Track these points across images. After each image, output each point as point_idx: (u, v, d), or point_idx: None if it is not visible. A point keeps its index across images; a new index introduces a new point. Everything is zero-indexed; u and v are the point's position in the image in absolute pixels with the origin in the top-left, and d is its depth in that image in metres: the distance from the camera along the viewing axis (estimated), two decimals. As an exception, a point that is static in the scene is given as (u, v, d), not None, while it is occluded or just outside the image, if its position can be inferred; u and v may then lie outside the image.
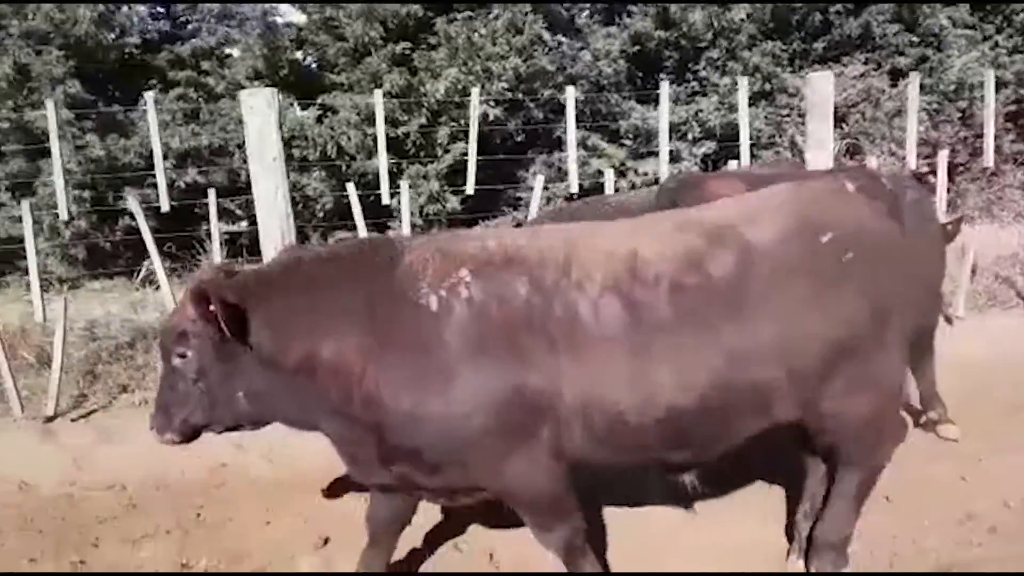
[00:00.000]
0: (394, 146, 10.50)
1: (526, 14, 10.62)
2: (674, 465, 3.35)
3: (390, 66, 10.03)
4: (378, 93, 6.12)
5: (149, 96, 6.42)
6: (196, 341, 3.07)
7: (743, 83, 6.71)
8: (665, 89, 6.74)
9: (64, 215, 6.16)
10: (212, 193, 6.38)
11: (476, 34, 9.82)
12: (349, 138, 10.15)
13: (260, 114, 5.57)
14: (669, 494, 4.09)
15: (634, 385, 2.97)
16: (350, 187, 6.29)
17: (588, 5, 11.63)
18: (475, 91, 6.31)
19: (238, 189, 10.27)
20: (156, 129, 6.07)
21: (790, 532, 3.87)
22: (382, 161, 6.19)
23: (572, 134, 6.50)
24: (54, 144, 5.80)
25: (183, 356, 3.10)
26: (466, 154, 10.22)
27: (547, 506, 3.23)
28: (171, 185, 9.91)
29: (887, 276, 3.13)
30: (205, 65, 10.53)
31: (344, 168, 10.32)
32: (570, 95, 6.46)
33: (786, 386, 3.08)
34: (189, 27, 11.33)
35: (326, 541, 4.07)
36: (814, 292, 3.03)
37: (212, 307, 2.93)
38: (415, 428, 2.97)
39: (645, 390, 2.97)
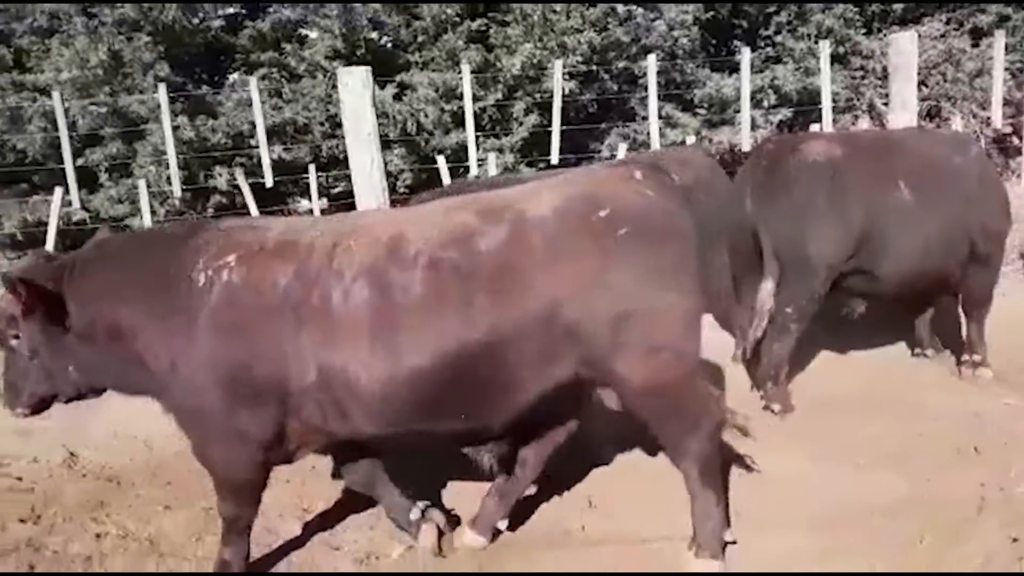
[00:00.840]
0: (474, 121, 10.73)
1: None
2: (445, 436, 3.55)
3: (467, 43, 10.18)
4: (466, 69, 6.30)
5: (246, 78, 6.73)
6: (23, 324, 3.51)
7: (824, 47, 6.71)
8: (747, 56, 6.78)
9: (178, 191, 6.51)
10: (312, 168, 6.65)
11: (551, 10, 9.88)
12: (427, 114, 10.36)
13: (355, 92, 5.84)
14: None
15: (379, 361, 3.17)
16: (440, 160, 6.51)
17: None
18: (558, 63, 6.44)
19: (322, 165, 10.59)
20: (259, 107, 6.38)
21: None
22: (470, 134, 6.38)
23: (653, 103, 6.61)
24: (167, 124, 6.14)
25: (16, 338, 3.56)
26: (540, 127, 10.46)
27: (239, 486, 3.56)
28: (258, 162, 10.34)
29: (667, 253, 3.29)
30: (285, 47, 10.80)
31: (423, 144, 10.55)
32: (651, 64, 6.56)
33: (559, 351, 3.24)
34: (267, 9, 11.59)
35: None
36: (590, 262, 3.20)
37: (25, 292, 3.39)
38: (169, 389, 3.38)
39: (392, 366, 3.17)
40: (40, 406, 3.73)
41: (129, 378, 3.53)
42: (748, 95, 6.93)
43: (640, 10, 10.80)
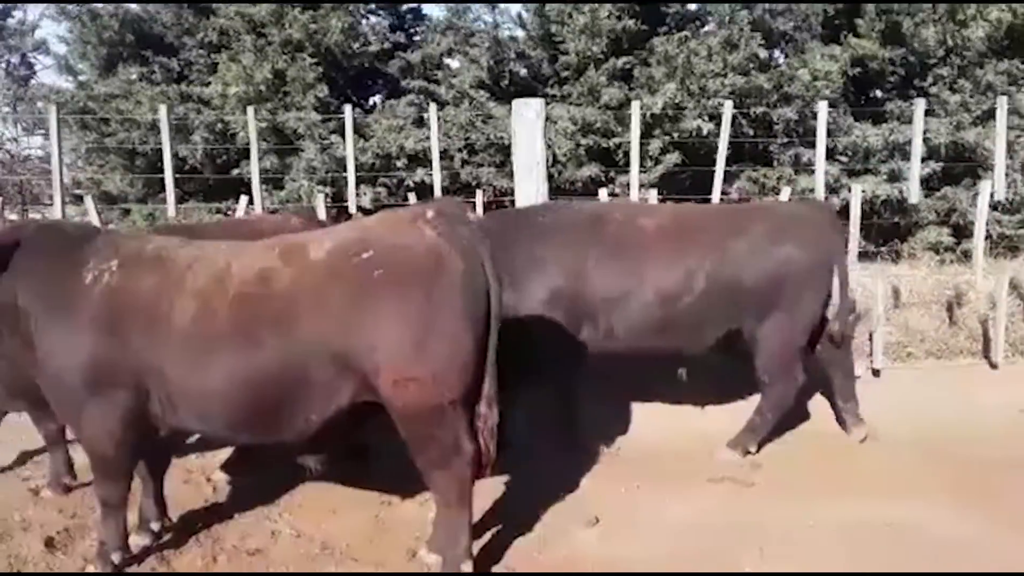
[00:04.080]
0: (606, 157, 10.88)
1: (741, 31, 10.72)
2: (250, 443, 4.18)
3: (609, 80, 10.35)
4: (635, 105, 6.43)
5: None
6: None
7: (1002, 103, 6.60)
8: (920, 107, 6.75)
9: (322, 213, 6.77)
10: (479, 194, 6.85)
11: (694, 54, 9.97)
12: (560, 147, 10.56)
13: (528, 122, 6.03)
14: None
15: (198, 372, 3.69)
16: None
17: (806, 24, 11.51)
18: (728, 104, 6.49)
19: (455, 191, 10.90)
20: (436, 132, 6.65)
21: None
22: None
23: (822, 148, 6.60)
24: (349, 144, 6.44)
25: None
26: (678, 166, 10.53)
27: (104, 463, 3.99)
28: (399, 183, 10.71)
29: (421, 293, 3.60)
30: (436, 75, 11.19)
31: (556, 175, 10.73)
32: (822, 111, 6.56)
33: (335, 377, 3.66)
34: (416, 39, 12.04)
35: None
36: (350, 298, 3.59)
37: None
38: (45, 366, 3.83)
39: (205, 377, 3.68)
40: None
41: None
42: (919, 146, 6.85)
43: (783, 57, 10.77)
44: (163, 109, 8.42)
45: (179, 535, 4.50)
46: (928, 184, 10.44)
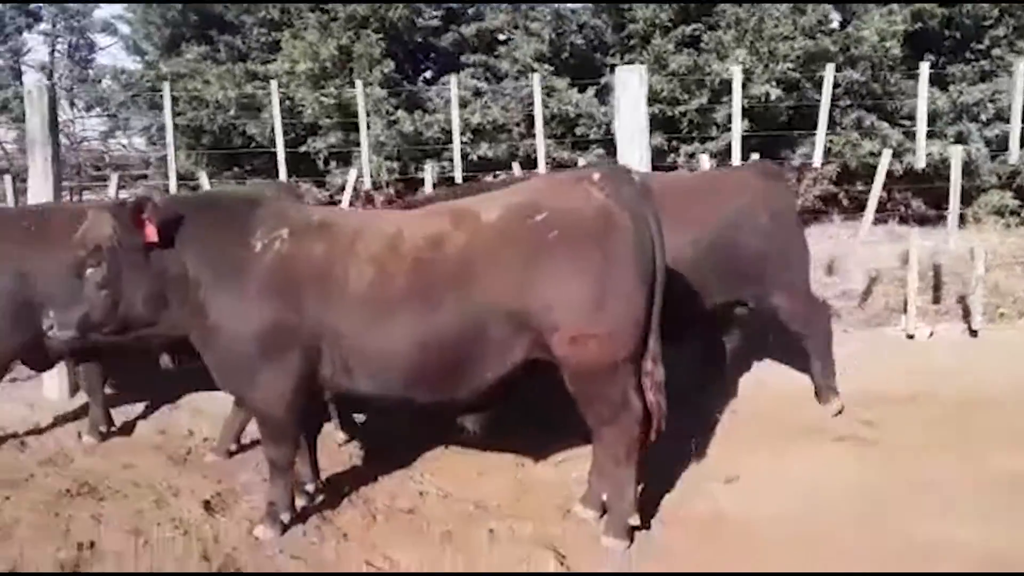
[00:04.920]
0: (670, 125, 10.87)
1: (807, -5, 10.66)
2: (427, 403, 4.10)
3: (676, 47, 10.33)
4: (736, 70, 6.43)
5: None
6: (113, 253, 3.94)
7: None
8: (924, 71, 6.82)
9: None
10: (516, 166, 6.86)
11: (768, 16, 9.93)
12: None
13: (633, 89, 6.06)
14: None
15: (377, 334, 3.81)
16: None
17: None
18: (830, 67, 6.50)
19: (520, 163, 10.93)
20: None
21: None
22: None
23: (923, 108, 6.57)
24: (455, 115, 6.51)
25: (95, 266, 3.95)
26: (747, 132, 10.50)
27: (275, 427, 4.13)
28: (464, 157, 10.74)
29: (596, 252, 3.71)
30: (499, 49, 11.21)
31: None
32: (923, 71, 6.56)
33: (511, 336, 3.77)
34: (471, 11, 12.02)
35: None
36: (526, 259, 3.70)
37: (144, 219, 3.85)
38: (216, 334, 3.97)
39: (385, 339, 3.81)
40: (87, 332, 4.16)
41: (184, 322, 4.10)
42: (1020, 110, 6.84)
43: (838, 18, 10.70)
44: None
45: (331, 497, 4.64)
46: (993, 147, 10.40)
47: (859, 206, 11.30)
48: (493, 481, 4.81)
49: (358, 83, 8.87)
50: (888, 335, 6.62)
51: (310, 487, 4.56)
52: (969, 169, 10.41)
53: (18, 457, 5.43)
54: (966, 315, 6.87)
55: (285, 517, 4.22)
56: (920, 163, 6.96)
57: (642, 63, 10.67)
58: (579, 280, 3.71)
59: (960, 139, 10.39)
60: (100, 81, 11.60)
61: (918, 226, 9.50)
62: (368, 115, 10.33)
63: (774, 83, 10.23)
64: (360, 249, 3.90)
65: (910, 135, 10.93)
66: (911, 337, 6.54)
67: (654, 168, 9.17)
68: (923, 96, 6.72)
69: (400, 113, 10.25)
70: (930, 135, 10.66)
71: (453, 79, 9.05)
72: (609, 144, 10.91)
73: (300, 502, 4.46)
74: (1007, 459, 4.67)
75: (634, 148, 6.10)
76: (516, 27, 11.69)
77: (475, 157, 10.56)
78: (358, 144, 10.48)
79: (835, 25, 11.24)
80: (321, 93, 10.14)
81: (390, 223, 4.03)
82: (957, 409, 5.46)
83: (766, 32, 10.24)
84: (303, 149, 10.50)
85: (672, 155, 10.91)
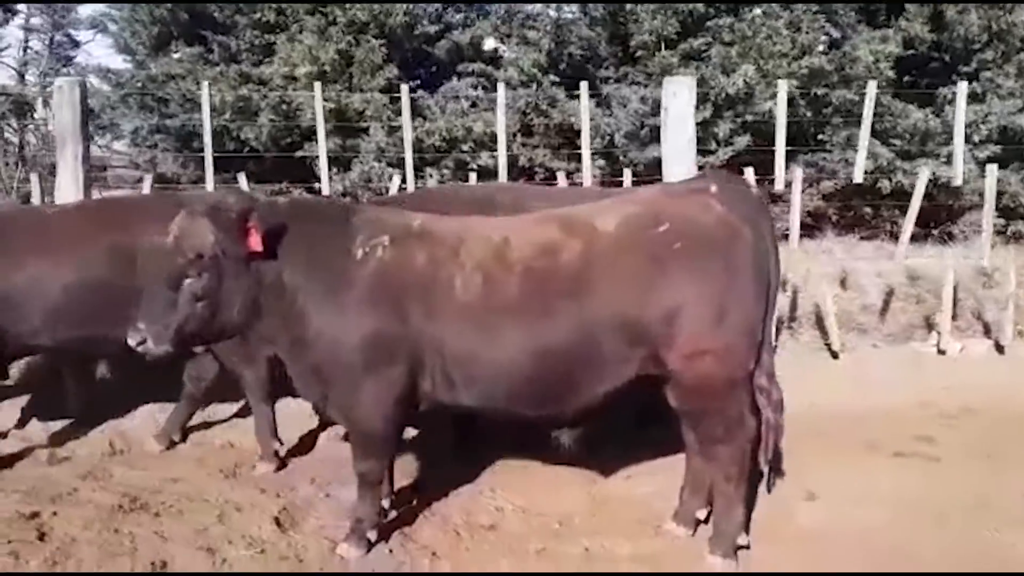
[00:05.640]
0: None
1: (804, 13, 10.83)
2: (530, 419, 4.00)
3: (683, 60, 10.39)
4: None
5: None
6: (212, 261, 3.63)
7: None
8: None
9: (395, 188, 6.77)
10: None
11: (776, 33, 10.05)
12: (621, 128, 10.60)
13: (682, 101, 6.02)
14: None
15: (485, 345, 3.66)
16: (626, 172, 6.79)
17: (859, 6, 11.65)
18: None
19: (516, 174, 10.84)
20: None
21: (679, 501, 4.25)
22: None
23: (960, 124, 6.66)
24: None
25: (194, 276, 3.64)
26: (748, 147, 10.60)
27: (371, 440, 3.96)
28: (464, 166, 10.61)
29: (719, 263, 3.62)
30: (498, 57, 11.14)
31: (620, 156, 10.77)
32: (962, 92, 6.65)
33: (626, 349, 3.63)
34: (472, 20, 11.92)
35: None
36: (647, 270, 3.58)
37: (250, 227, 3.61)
38: (316, 343, 3.77)
39: (494, 351, 3.65)
40: (183, 346, 3.97)
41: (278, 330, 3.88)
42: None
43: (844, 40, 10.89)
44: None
45: (405, 512, 4.47)
46: (982, 167, 10.66)
47: (852, 222, 11.58)
48: (567, 496, 4.68)
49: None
50: (920, 351, 6.68)
51: (385, 502, 4.37)
52: (954, 190, 10.69)
53: (51, 471, 5.11)
54: (987, 331, 6.97)
55: (372, 535, 4.04)
56: (957, 180, 7.09)
57: (646, 75, 10.82)
58: (702, 293, 3.61)
59: (952, 159, 10.62)
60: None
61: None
62: (368, 120, 10.20)
63: (771, 99, 10.34)
64: (465, 257, 3.73)
65: (900, 154, 11.19)
66: (942, 353, 6.61)
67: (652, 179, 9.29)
68: (960, 115, 6.79)
69: (401, 119, 10.06)
70: (922, 155, 10.98)
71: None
72: (609, 156, 10.96)
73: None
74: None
75: (683, 161, 6.06)
76: (509, 36, 11.66)
77: (475, 166, 10.45)
78: (356, 150, 10.34)
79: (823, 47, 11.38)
80: (324, 98, 9.89)
81: (495, 229, 3.88)
82: (1006, 424, 5.52)
83: (766, 50, 10.37)
84: (299, 154, 10.25)
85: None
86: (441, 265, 3.73)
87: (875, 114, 11.07)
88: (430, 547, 4.13)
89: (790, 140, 11.11)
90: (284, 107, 10.18)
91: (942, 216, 11.21)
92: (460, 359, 3.73)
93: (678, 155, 6.08)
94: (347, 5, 10.33)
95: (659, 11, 10.30)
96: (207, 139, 7.49)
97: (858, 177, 8.83)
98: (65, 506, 4.54)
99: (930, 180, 10.31)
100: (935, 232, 11.01)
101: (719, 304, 3.62)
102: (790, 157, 11.18)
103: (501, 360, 3.69)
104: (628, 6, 10.58)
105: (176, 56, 10.76)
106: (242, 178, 7.92)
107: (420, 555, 4.05)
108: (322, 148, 7.91)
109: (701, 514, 4.17)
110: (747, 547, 3.94)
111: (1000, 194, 10.99)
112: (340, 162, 10.28)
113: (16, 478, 4.97)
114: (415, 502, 4.61)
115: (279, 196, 6.86)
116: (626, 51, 11.23)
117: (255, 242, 3.63)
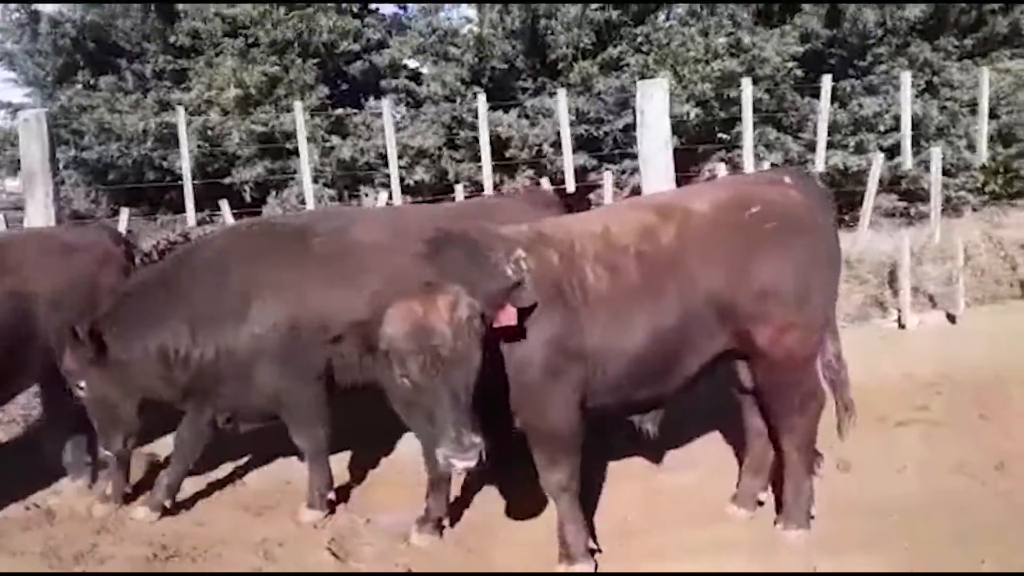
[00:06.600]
0: (593, 144, 11.15)
1: (712, 17, 11.30)
2: (641, 403, 4.06)
3: (602, 69, 10.64)
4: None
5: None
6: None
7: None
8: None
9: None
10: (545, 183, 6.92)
11: (691, 40, 10.43)
12: (548, 138, 10.78)
13: (658, 103, 6.20)
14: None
15: (621, 335, 3.72)
16: (544, 182, 6.99)
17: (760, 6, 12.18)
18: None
19: (443, 189, 10.82)
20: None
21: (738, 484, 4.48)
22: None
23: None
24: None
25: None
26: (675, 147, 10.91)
27: (563, 448, 3.83)
28: (400, 181, 10.52)
29: (800, 244, 3.88)
30: (423, 73, 11.10)
31: (548, 165, 10.92)
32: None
33: (718, 325, 3.82)
34: (391, 37, 11.83)
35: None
36: (743, 249, 3.79)
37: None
38: (503, 366, 3.61)
39: (627, 339, 3.73)
40: None
41: None
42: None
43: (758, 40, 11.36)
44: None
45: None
46: (890, 153, 11.37)
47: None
48: (619, 491, 4.75)
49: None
50: (883, 327, 7.06)
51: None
52: (861, 177, 11.37)
53: (57, 530, 4.74)
54: (933, 304, 7.45)
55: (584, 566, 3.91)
56: (907, 165, 7.59)
57: (563, 86, 11.00)
58: (791, 271, 3.82)
59: (859, 148, 11.30)
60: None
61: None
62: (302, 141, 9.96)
63: (693, 102, 10.74)
64: (581, 251, 3.78)
65: (809, 147, 11.81)
66: (903, 327, 7.01)
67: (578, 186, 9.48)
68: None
69: (335, 139, 9.92)
70: (831, 145, 11.60)
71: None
72: (537, 165, 11.09)
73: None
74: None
75: (660, 162, 6.23)
76: (423, 51, 11.62)
77: (411, 182, 10.38)
78: (285, 172, 10.08)
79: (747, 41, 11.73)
80: (251, 120, 9.63)
81: (590, 222, 3.98)
82: (985, 388, 5.89)
83: (681, 56, 10.75)
84: (227, 180, 9.92)
85: (593, 173, 11.18)
86: (571, 262, 3.76)
87: (781, 110, 11.79)
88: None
89: (705, 140, 11.69)
90: (209, 132, 9.83)
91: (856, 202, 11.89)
92: (607, 351, 3.76)
93: (655, 155, 6.25)
94: (270, 27, 10.08)
95: (574, 22, 10.50)
96: (186, 168, 7.08)
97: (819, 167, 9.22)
98: (93, 564, 4.29)
99: (842, 167, 11.13)
100: (846, 218, 11.68)
101: (805, 283, 3.84)
102: (705, 157, 11.75)
103: (630, 342, 3.76)
104: (543, 21, 10.74)
105: (87, 85, 10.24)
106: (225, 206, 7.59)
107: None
108: (305, 166, 7.54)
109: (763, 496, 4.31)
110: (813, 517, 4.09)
111: (899, 179, 11.85)
112: (270, 186, 10.01)
113: (24, 540, 4.60)
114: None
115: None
116: (544, 63, 11.42)
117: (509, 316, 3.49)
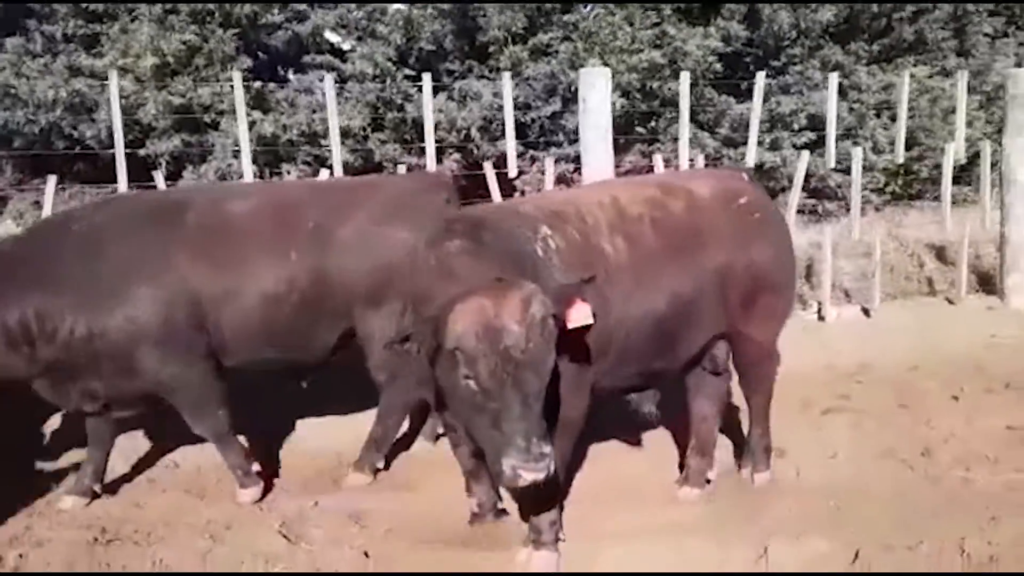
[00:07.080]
0: (520, 130, 11.15)
1: (636, 9, 11.45)
2: (655, 375, 4.11)
3: (532, 55, 10.66)
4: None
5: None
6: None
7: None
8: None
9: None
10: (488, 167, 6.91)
11: (619, 29, 10.55)
12: (475, 123, 10.76)
13: (600, 90, 6.26)
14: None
15: (643, 301, 3.72)
16: (487, 166, 7.04)
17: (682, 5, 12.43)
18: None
19: (371, 169, 10.66)
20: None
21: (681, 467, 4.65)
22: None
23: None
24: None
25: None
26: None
27: (573, 426, 3.66)
28: (323, 162, 10.30)
29: (776, 236, 4.22)
30: (352, 52, 10.87)
31: (475, 151, 10.90)
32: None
33: (719, 304, 4.00)
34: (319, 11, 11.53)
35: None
36: (741, 234, 4.04)
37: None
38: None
39: (648, 304, 3.74)
40: None
41: None
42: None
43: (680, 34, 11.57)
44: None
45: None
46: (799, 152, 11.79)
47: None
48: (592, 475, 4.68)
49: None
50: (804, 319, 7.30)
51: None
52: (772, 174, 11.77)
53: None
54: (848, 297, 7.80)
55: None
56: (830, 163, 7.86)
57: (493, 70, 10.99)
58: (774, 257, 4.16)
59: (774, 145, 11.68)
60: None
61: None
62: (222, 116, 9.65)
63: (619, 92, 10.87)
64: (593, 223, 3.75)
65: (726, 143, 12.14)
66: (822, 319, 7.29)
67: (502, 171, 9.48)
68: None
69: (256, 114, 9.62)
70: (744, 142, 11.94)
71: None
72: (463, 149, 11.04)
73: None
74: (997, 413, 5.43)
75: (601, 148, 6.30)
76: (355, 28, 11.39)
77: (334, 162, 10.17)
78: (203, 145, 9.74)
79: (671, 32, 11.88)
80: (168, 91, 9.26)
81: (597, 193, 4.06)
82: (902, 377, 6.17)
83: (608, 45, 10.87)
84: (142, 152, 9.52)
85: (520, 160, 11.19)
86: (590, 236, 3.71)
87: (699, 106, 12.07)
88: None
89: (624, 131, 11.86)
90: (123, 102, 9.38)
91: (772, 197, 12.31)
92: (635, 320, 3.72)
93: (595, 144, 6.31)
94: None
95: (507, 7, 10.49)
96: (118, 138, 6.78)
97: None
98: (29, 547, 4.07)
99: (759, 163, 11.46)
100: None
101: (784, 271, 4.25)
102: (624, 148, 11.93)
103: (652, 305, 3.77)
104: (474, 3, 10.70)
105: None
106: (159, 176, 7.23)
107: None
108: (244, 135, 7.34)
109: (711, 474, 4.46)
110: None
111: (809, 176, 12.31)
112: (190, 158, 9.67)
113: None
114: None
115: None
116: (472, 45, 11.36)
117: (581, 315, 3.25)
